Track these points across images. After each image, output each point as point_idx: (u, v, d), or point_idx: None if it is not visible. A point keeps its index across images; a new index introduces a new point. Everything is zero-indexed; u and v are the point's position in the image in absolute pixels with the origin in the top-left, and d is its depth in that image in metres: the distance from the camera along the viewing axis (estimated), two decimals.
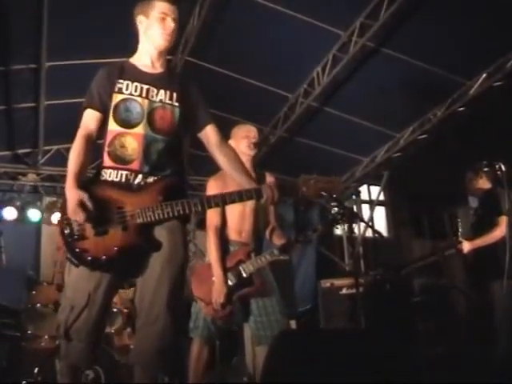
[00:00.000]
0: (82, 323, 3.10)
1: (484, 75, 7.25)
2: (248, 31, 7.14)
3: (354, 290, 8.27)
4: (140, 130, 3.27)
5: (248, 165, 4.80)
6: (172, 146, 3.34)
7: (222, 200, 3.28)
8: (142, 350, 3.17)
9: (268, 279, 4.79)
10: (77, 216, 3.02)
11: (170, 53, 7.59)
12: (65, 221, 3.10)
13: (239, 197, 3.30)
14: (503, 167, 4.83)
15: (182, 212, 3.14)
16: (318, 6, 6.56)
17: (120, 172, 3.23)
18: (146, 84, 3.44)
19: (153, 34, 3.68)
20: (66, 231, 3.09)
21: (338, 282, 8.78)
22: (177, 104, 3.45)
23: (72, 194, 3.06)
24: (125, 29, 6.53)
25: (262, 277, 4.70)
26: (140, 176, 3.22)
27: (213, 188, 4.77)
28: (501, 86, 7.13)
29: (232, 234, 4.85)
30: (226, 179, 4.49)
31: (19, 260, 7.77)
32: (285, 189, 3.75)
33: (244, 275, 4.64)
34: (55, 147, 8.94)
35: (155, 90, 3.43)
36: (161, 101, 3.42)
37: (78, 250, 3.07)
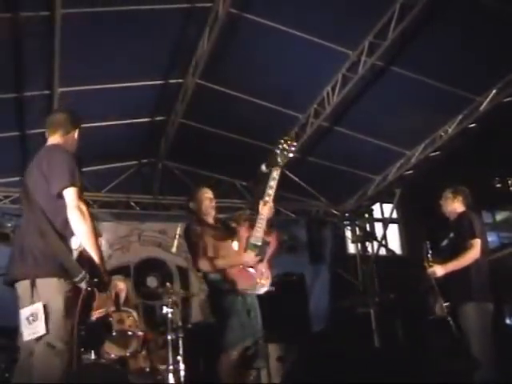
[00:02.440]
0: None
1: (494, 91, 7.25)
2: (258, 53, 7.20)
3: (368, 309, 8.27)
4: None
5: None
6: None
7: None
8: None
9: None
10: None
11: (180, 76, 7.74)
12: None
13: None
14: None
15: None
16: (327, 26, 6.61)
17: None
18: None
19: None
20: None
21: (352, 302, 8.76)
22: None
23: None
24: (137, 55, 6.64)
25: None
26: None
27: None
28: (511, 101, 7.12)
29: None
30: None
31: None
32: None
33: (258, 244, 5.26)
34: None
35: None
36: None
37: None
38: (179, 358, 6.48)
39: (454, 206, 5.83)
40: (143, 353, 6.28)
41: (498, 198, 5.85)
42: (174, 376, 6.35)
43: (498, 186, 5.43)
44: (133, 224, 9.84)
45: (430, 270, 5.53)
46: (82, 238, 3.59)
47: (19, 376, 3.62)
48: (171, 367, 6.38)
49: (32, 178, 3.88)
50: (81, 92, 7.42)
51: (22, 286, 3.61)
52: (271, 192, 5.61)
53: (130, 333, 6.19)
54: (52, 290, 3.55)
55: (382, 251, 11.22)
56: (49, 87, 7.13)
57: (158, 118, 8.92)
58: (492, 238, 11.57)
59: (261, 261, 5.23)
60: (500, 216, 12.67)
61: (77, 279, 3.48)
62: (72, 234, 3.63)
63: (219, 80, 7.85)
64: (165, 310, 6.33)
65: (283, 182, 9.98)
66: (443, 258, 5.58)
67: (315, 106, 8.04)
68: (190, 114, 8.57)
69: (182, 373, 6.42)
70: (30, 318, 3.48)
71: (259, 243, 5.24)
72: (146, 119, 8.88)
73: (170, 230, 9.55)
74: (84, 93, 7.44)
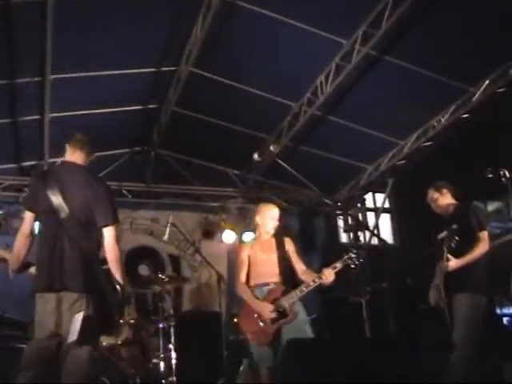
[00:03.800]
0: None
1: (487, 81, 7.25)
2: (251, 41, 7.18)
3: (359, 299, 8.29)
4: None
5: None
6: None
7: None
8: None
9: (296, 309, 5.53)
10: None
11: (173, 64, 7.69)
12: None
13: None
14: (507, 174, 4.82)
15: None
16: (321, 15, 6.58)
17: None
18: None
19: None
20: None
21: (343, 291, 8.77)
22: None
23: None
24: (129, 42, 6.60)
25: (293, 309, 5.49)
26: None
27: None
28: (504, 92, 7.13)
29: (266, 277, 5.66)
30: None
31: (26, 272, 7.77)
32: None
33: (280, 310, 5.42)
34: (60, 159, 8.94)
35: None
36: None
37: None
38: (171, 346, 6.51)
39: (445, 201, 5.87)
40: (135, 341, 6.28)
41: (490, 188, 5.84)
42: (165, 364, 6.38)
43: (490, 176, 5.42)
44: (125, 212, 9.81)
45: (444, 264, 5.48)
46: (115, 266, 4.35)
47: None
48: (162, 355, 6.40)
49: (75, 200, 4.35)
50: (73, 79, 7.37)
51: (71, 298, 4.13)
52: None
53: (121, 321, 6.19)
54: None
55: (374, 241, 11.23)
56: (41, 74, 7.08)
57: (150, 106, 8.88)
58: None
59: (273, 322, 5.41)
60: (492, 206, 12.69)
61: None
62: None
63: (212, 68, 7.82)
64: (156, 298, 6.35)
65: (275, 170, 10.06)
66: (440, 251, 5.55)
67: (308, 94, 8.02)
68: (183, 102, 8.54)
69: (174, 361, 6.45)
70: None
71: (281, 309, 5.45)
72: (138, 107, 8.84)
73: (162, 218, 9.55)
74: (76, 80, 7.40)
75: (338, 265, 5.74)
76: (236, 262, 5.93)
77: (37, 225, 4.49)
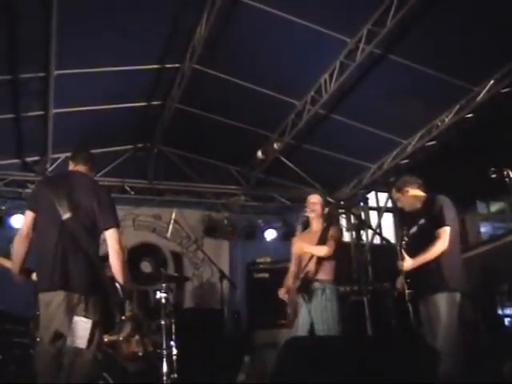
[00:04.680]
0: None
1: (491, 81, 7.24)
2: (255, 38, 7.17)
3: (361, 297, 8.27)
4: None
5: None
6: None
7: None
8: None
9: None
10: None
11: (177, 61, 7.69)
12: None
13: None
14: (511, 174, 4.78)
15: None
16: (325, 13, 6.57)
17: None
18: None
19: None
20: None
21: (345, 289, 8.77)
22: None
23: None
24: (133, 39, 6.60)
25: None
26: None
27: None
28: (508, 92, 7.11)
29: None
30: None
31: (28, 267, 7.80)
32: None
33: None
34: (63, 155, 8.96)
35: None
36: None
37: None
38: (172, 342, 6.50)
39: (409, 197, 5.66)
40: (136, 337, 6.28)
41: (493, 188, 5.81)
42: (167, 361, 6.38)
43: (494, 176, 5.38)
44: (127, 209, 9.83)
45: (399, 263, 5.34)
46: (117, 268, 4.39)
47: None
48: (164, 352, 6.40)
49: (81, 203, 4.43)
50: (77, 75, 7.37)
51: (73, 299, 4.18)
52: None
53: (123, 317, 6.19)
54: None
55: (377, 240, 11.22)
56: (45, 69, 7.08)
57: (154, 103, 8.88)
58: (486, 228, 11.57)
59: None
60: (494, 207, 12.67)
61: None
62: None
63: (216, 65, 7.82)
64: (158, 295, 6.35)
65: (278, 168, 10.05)
66: (413, 246, 5.37)
67: (312, 93, 8.01)
68: (186, 100, 8.55)
69: (175, 357, 6.45)
70: None
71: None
72: (142, 104, 8.85)
73: (165, 215, 9.55)
74: (80, 76, 7.39)
75: None
76: None
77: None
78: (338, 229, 6.17)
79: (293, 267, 6.11)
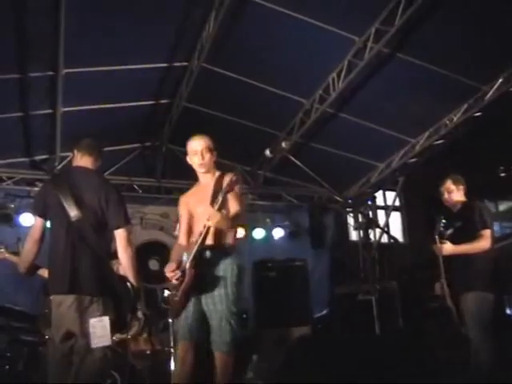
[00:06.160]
0: None
1: (500, 80, 7.21)
2: (263, 37, 7.17)
3: (369, 296, 8.28)
4: None
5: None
6: None
7: None
8: None
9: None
10: None
11: (185, 59, 7.69)
12: None
13: None
14: None
15: None
16: (334, 12, 6.56)
17: None
18: None
19: None
20: None
21: (353, 288, 8.77)
22: None
23: None
24: (142, 37, 6.60)
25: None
26: None
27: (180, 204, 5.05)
28: None
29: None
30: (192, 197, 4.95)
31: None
32: None
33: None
34: (72, 154, 8.98)
35: None
36: None
37: None
38: None
39: (458, 197, 5.81)
40: (144, 335, 6.30)
41: (502, 187, 5.81)
42: (174, 359, 6.39)
43: (502, 175, 5.39)
44: (135, 207, 9.84)
45: (438, 246, 5.47)
46: (127, 267, 4.44)
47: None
48: (172, 350, 6.41)
49: (88, 203, 4.39)
50: (85, 73, 7.39)
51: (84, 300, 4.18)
52: None
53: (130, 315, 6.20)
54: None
55: (384, 239, 11.21)
56: (53, 68, 7.11)
57: (162, 101, 8.89)
58: (495, 228, 11.57)
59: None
60: (503, 206, 12.64)
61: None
62: None
63: (224, 64, 7.82)
64: (166, 293, 6.35)
65: (286, 167, 10.04)
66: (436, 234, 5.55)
67: (320, 91, 8.00)
68: (194, 98, 8.55)
69: None
70: None
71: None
72: (150, 102, 8.85)
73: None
74: (88, 74, 7.41)
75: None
76: None
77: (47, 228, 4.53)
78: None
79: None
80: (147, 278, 9.22)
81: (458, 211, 5.79)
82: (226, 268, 4.43)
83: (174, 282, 4.51)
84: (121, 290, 4.32)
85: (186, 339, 4.43)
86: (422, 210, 11.92)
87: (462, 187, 5.82)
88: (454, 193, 5.82)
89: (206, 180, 4.92)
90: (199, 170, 5.00)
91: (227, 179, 4.44)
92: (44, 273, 4.94)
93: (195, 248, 4.37)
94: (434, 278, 5.68)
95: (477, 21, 6.37)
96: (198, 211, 4.66)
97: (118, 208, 4.46)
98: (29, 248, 4.46)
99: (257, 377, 6.29)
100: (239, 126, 9.04)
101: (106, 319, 4.11)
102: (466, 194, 5.83)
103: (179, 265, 4.51)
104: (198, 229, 4.50)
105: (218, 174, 4.90)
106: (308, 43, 7.11)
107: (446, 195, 5.89)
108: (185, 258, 4.48)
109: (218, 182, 4.68)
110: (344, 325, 8.49)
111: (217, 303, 4.35)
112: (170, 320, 5.10)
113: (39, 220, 4.48)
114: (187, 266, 4.41)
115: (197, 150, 4.94)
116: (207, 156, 4.96)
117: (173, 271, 4.50)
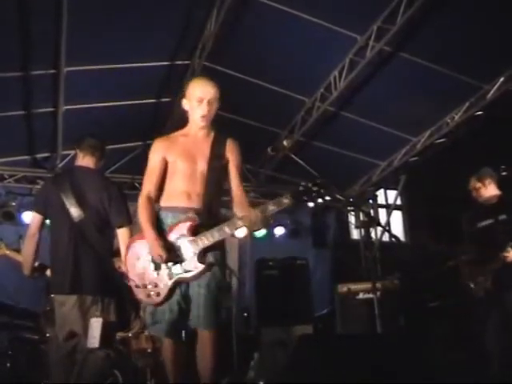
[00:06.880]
0: None
1: (501, 79, 7.21)
2: (265, 35, 7.17)
3: (370, 295, 8.27)
4: None
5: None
6: None
7: None
8: None
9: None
10: None
11: (187, 57, 7.69)
12: None
13: None
14: None
15: None
16: (335, 10, 6.56)
17: None
18: None
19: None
20: None
21: (354, 287, 8.77)
22: None
23: None
24: (143, 35, 6.60)
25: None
26: None
27: (157, 149, 4.35)
28: None
29: (178, 199, 4.14)
30: (177, 146, 4.14)
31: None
32: None
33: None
34: (74, 152, 8.98)
35: None
36: None
37: None
38: None
39: (490, 191, 5.73)
40: (145, 334, 6.30)
41: (503, 186, 5.79)
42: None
43: (504, 174, 5.38)
44: (137, 205, 9.83)
45: (503, 255, 5.29)
46: None
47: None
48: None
49: (90, 203, 4.45)
50: (87, 72, 7.40)
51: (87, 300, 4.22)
52: None
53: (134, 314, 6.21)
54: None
55: (385, 237, 11.20)
56: (55, 66, 7.11)
57: (163, 100, 8.89)
58: None
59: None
60: None
61: None
62: None
63: (226, 62, 7.82)
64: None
65: (287, 165, 10.03)
66: (484, 238, 5.50)
67: (322, 90, 8.00)
68: None
69: None
70: None
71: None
72: (151, 100, 8.86)
73: None
74: (90, 72, 7.42)
75: (272, 207, 4.04)
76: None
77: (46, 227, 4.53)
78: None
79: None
80: None
81: (495, 203, 5.69)
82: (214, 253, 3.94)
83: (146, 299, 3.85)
84: (123, 288, 4.27)
85: (173, 337, 3.93)
86: (425, 209, 11.94)
87: (489, 180, 5.73)
88: (482, 189, 5.74)
89: (199, 134, 4.23)
90: (198, 123, 4.20)
91: (231, 148, 4.24)
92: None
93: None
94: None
95: (479, 19, 6.37)
96: (186, 165, 4.03)
97: (121, 207, 4.53)
98: (26, 247, 4.48)
99: (258, 376, 6.29)
100: (241, 125, 9.03)
101: (99, 321, 4.13)
102: (499, 184, 5.74)
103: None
104: (181, 185, 4.03)
105: (213, 133, 4.33)
106: (310, 41, 7.11)
107: (474, 193, 5.83)
108: (163, 269, 3.87)
109: (216, 145, 4.21)
110: (345, 323, 8.49)
111: (202, 285, 3.83)
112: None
113: (37, 216, 4.48)
114: (166, 283, 3.76)
115: (204, 97, 4.24)
116: (214, 108, 4.31)
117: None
